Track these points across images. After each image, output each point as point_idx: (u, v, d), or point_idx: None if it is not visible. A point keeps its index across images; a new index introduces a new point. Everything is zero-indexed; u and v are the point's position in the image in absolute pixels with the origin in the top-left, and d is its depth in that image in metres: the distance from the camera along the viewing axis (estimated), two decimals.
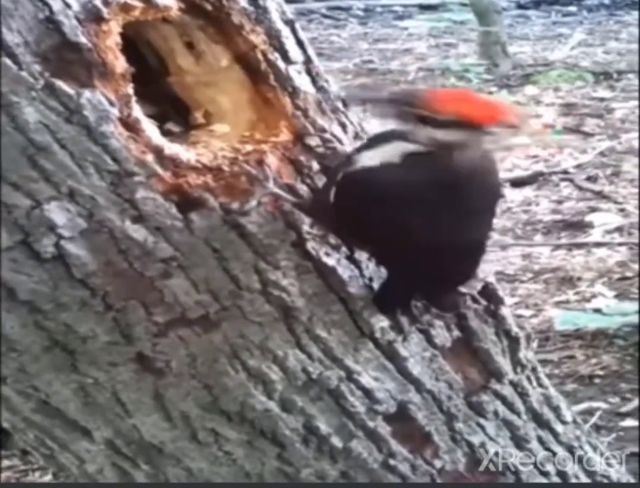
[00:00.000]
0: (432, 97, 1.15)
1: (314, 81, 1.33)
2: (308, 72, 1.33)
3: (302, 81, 1.31)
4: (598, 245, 3.58)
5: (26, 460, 2.41)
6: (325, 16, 8.42)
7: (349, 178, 1.20)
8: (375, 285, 1.33)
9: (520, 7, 8.74)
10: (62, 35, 1.11)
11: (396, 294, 1.33)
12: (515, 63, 6.47)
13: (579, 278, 3.29)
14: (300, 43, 1.32)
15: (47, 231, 1.14)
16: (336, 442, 1.33)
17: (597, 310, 3.02)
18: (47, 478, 2.36)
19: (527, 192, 4.20)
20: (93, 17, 1.13)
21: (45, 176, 1.13)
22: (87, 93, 1.13)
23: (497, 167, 1.28)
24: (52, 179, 1.13)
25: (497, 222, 3.74)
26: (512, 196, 4.11)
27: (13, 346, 1.20)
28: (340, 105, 1.36)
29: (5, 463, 2.43)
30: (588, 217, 3.85)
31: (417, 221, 1.19)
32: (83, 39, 1.12)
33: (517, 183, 4.27)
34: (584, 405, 2.49)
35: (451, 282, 1.31)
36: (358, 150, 1.24)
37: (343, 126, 1.35)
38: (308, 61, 1.33)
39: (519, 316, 2.97)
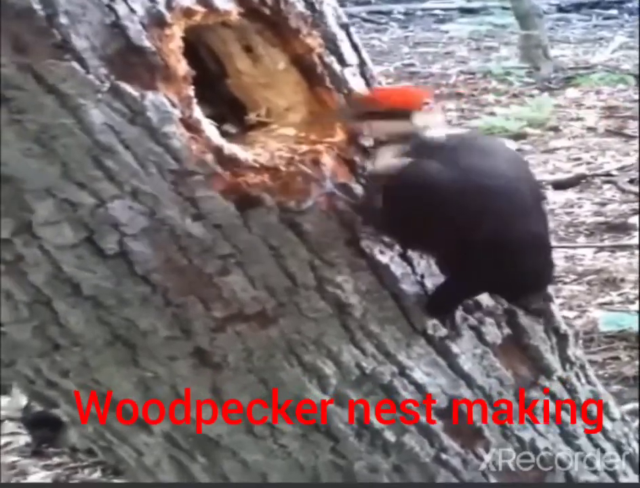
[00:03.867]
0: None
1: (368, 83, 1.35)
2: (363, 74, 1.35)
3: (356, 83, 1.33)
4: None
5: (75, 457, 2.45)
6: (366, 20, 8.44)
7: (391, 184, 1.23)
8: (427, 282, 1.35)
9: (561, 10, 8.70)
10: (127, 39, 1.14)
11: (452, 297, 1.35)
12: (556, 66, 6.45)
13: (622, 280, 3.28)
14: (354, 46, 1.35)
15: (110, 229, 1.17)
16: (389, 436, 1.34)
17: None
18: (96, 475, 2.40)
19: (570, 194, 4.19)
20: (157, 22, 1.16)
21: (109, 175, 1.15)
22: (150, 95, 1.15)
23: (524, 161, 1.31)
24: (116, 179, 1.16)
25: None
26: (554, 198, 4.10)
27: (77, 340, 1.23)
28: None
29: (55, 460, 2.47)
30: (631, 220, 3.84)
31: (446, 216, 1.21)
32: (147, 43, 1.15)
33: (560, 185, 4.26)
34: (629, 406, 2.47)
35: (519, 284, 1.31)
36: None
37: None
38: (362, 64, 1.35)
39: (563, 317, 2.96)
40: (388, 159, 1.22)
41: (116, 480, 2.32)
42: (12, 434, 2.57)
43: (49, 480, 2.40)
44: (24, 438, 2.55)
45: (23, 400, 2.47)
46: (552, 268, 1.33)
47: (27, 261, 1.18)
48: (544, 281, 1.34)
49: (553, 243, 3.62)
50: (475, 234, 1.21)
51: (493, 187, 1.21)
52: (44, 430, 2.48)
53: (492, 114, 5.39)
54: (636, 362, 2.76)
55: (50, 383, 1.30)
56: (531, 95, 5.83)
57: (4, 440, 2.55)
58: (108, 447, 1.40)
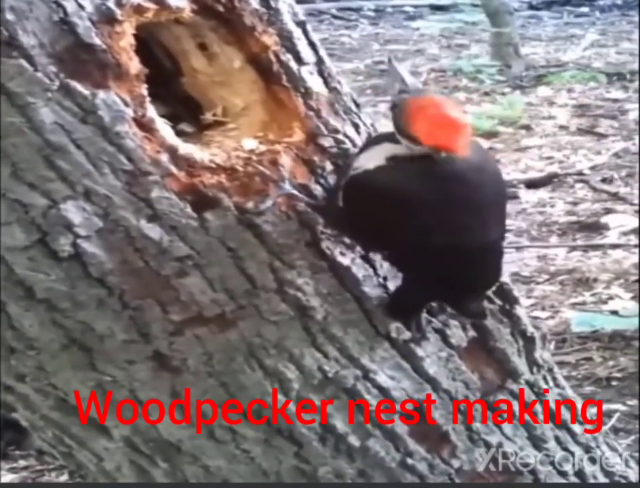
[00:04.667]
0: (412, 119, 1.14)
1: (326, 82, 1.33)
2: (320, 73, 1.33)
3: (314, 82, 1.31)
4: (614, 246, 3.56)
5: (42, 460, 2.44)
6: (336, 17, 8.42)
7: (351, 182, 1.21)
8: (390, 284, 1.33)
9: (532, 7, 8.74)
10: (76, 36, 1.12)
11: (410, 300, 1.33)
12: (528, 64, 6.46)
13: (595, 280, 3.28)
14: (311, 44, 1.33)
15: (63, 230, 1.15)
16: (353, 440, 1.33)
17: (614, 312, 3.01)
18: (63, 478, 2.38)
19: (542, 193, 4.19)
20: (107, 19, 1.14)
21: (61, 176, 1.13)
22: (101, 94, 1.13)
23: (495, 164, 1.29)
24: (68, 179, 1.14)
25: (512, 223, 3.75)
26: (527, 197, 4.10)
27: (32, 343, 1.21)
28: (352, 106, 1.36)
29: (22, 463, 2.45)
30: (604, 219, 3.84)
31: (412, 222, 1.19)
32: (97, 40, 1.13)
33: (532, 184, 4.26)
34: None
35: (470, 288, 1.30)
36: (359, 152, 1.24)
37: (356, 126, 1.36)
38: (320, 62, 1.33)
39: (535, 318, 2.96)
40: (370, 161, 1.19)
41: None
42: None
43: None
44: None
45: None
46: (500, 270, 1.31)
47: None
48: (489, 284, 1.32)
49: (526, 243, 3.65)
50: (431, 239, 1.19)
51: (453, 193, 1.18)
52: (10, 432, 2.46)
53: (463, 112, 5.38)
54: (609, 363, 2.75)
55: (7, 387, 1.28)
56: (503, 93, 5.83)
57: None
58: (68, 452, 1.38)
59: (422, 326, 1.36)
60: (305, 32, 1.32)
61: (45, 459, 2.42)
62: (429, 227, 1.19)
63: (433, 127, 1.13)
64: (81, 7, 1.11)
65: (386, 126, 1.26)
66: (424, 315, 1.37)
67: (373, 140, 1.24)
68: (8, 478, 2.39)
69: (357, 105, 1.38)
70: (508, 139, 4.94)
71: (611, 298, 3.15)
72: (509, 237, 3.62)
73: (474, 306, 1.33)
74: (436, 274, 1.23)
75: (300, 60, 1.30)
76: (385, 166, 1.18)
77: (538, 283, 3.31)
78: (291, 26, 1.30)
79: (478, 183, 1.20)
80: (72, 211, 1.14)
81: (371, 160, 1.19)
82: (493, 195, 1.24)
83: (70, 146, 1.13)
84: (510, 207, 3.96)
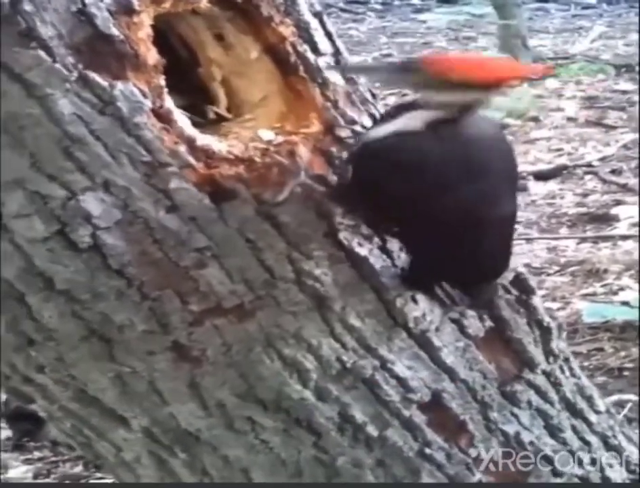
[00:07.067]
0: (438, 62, 1.16)
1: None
2: (338, 63, 1.33)
3: (331, 72, 1.31)
4: (624, 237, 3.56)
5: (56, 451, 2.45)
6: (343, 10, 8.43)
7: (368, 148, 1.20)
8: None
9: (539, 0, 8.71)
10: (94, 27, 1.12)
11: (421, 276, 1.32)
12: (536, 56, 6.45)
13: (605, 271, 3.28)
14: (328, 35, 1.33)
15: (83, 221, 1.15)
16: (371, 430, 1.33)
17: (625, 303, 3.00)
18: (78, 469, 2.39)
19: (552, 185, 4.19)
20: (125, 10, 1.14)
21: (79, 167, 1.13)
22: (120, 85, 1.13)
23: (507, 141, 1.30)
24: (87, 170, 1.14)
25: (521, 215, 3.74)
26: (536, 189, 4.10)
27: (51, 335, 1.21)
28: (369, 96, 1.36)
29: (36, 454, 2.46)
30: (614, 210, 3.84)
31: (439, 191, 1.18)
32: (115, 31, 1.13)
33: (541, 176, 4.26)
34: (614, 397, 2.47)
35: (480, 270, 1.29)
36: (376, 124, 1.24)
37: (373, 117, 1.35)
38: (337, 53, 1.33)
39: (547, 309, 2.96)
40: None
41: (99, 475, 2.31)
42: None
43: (30, 475, 2.39)
44: (5, 432, 2.53)
45: (3, 394, 2.45)
46: (509, 257, 1.31)
47: None
48: (499, 269, 1.32)
49: (535, 235, 3.64)
50: (438, 210, 1.19)
51: (470, 158, 1.19)
52: (25, 423, 2.47)
53: None
54: (621, 353, 2.75)
55: (26, 378, 1.29)
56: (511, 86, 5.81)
57: None
58: (86, 443, 1.38)
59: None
60: (322, 23, 1.32)
61: (60, 450, 2.43)
62: (445, 193, 1.18)
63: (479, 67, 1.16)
64: None
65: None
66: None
67: (399, 109, 1.21)
68: (23, 469, 2.40)
69: (374, 95, 1.38)
70: (517, 131, 4.93)
71: (621, 289, 3.15)
72: (519, 229, 3.62)
73: (484, 296, 1.34)
74: (446, 253, 1.22)
75: (317, 51, 1.30)
76: (411, 132, 1.17)
77: (549, 274, 3.31)
78: (308, 16, 1.30)
79: (492, 152, 1.22)
80: (91, 203, 1.15)
81: (397, 127, 1.18)
82: (506, 168, 1.25)
83: (88, 137, 1.13)
84: (520, 198, 3.95)
